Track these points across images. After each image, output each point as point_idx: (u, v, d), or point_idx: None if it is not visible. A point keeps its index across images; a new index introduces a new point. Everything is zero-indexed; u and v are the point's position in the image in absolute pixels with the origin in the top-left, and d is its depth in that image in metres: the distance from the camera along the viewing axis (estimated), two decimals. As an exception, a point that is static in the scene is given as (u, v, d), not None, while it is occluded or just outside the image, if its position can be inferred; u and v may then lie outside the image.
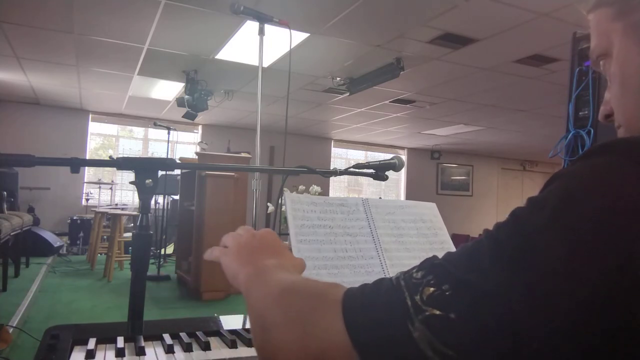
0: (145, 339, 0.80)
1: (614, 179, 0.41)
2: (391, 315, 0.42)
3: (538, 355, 0.38)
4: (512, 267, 0.40)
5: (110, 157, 1.06)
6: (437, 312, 0.40)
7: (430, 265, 0.45)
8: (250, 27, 4.01)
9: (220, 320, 0.94)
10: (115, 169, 1.00)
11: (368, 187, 10.65)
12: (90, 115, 8.21)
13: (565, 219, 0.40)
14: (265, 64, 4.86)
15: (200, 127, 8.94)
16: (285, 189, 2.12)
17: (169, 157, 5.45)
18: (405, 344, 0.40)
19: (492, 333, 0.39)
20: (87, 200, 7.84)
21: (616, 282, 0.38)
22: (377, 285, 0.45)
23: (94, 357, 0.73)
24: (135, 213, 5.85)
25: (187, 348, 0.77)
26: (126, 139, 8.85)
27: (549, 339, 0.38)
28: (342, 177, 5.50)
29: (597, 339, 0.38)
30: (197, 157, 4.84)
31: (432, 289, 0.42)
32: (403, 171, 10.41)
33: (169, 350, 0.76)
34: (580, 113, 1.92)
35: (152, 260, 5.36)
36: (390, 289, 0.44)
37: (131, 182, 1.01)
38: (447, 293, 0.41)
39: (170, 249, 6.99)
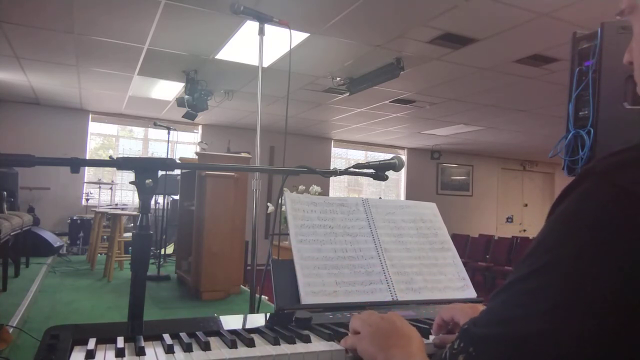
0: (145, 339, 0.80)
1: (594, 206, 0.43)
2: None
3: None
4: (526, 313, 0.44)
5: (110, 157, 1.06)
6: None
7: (461, 332, 0.52)
8: (250, 27, 4.01)
9: (220, 320, 0.94)
10: (115, 169, 1.00)
11: (368, 187, 10.65)
12: (90, 115, 8.21)
13: (553, 260, 0.44)
14: (265, 64, 4.86)
15: (200, 127, 8.94)
16: (285, 189, 2.12)
17: (169, 157, 5.44)
18: None
19: None
20: (87, 200, 7.84)
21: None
22: None
23: (94, 357, 0.73)
24: (135, 213, 5.85)
25: (187, 348, 0.77)
26: (126, 139, 8.85)
27: None
28: (342, 177, 5.50)
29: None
30: (197, 157, 4.83)
31: (463, 355, 0.49)
32: (403, 171, 10.41)
33: (169, 350, 0.76)
34: (580, 113, 1.92)
35: (152, 260, 5.37)
36: None
37: (131, 182, 1.01)
38: (473, 354, 0.48)
39: (170, 249, 6.98)
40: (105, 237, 6.19)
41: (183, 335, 0.81)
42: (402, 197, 10.68)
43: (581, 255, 0.41)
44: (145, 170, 0.95)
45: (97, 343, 0.77)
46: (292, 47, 3.39)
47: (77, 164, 0.93)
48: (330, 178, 8.68)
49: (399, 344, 0.74)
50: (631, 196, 0.41)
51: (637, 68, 0.57)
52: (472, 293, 1.14)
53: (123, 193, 8.47)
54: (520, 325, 0.43)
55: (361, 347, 0.78)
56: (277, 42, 4.16)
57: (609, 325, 0.39)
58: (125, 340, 0.79)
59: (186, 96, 5.70)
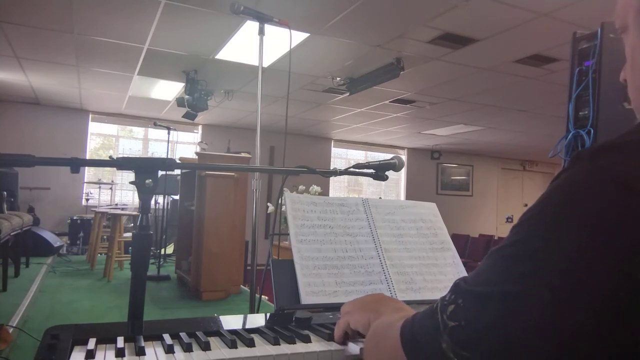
0: (145, 339, 0.80)
1: (576, 184, 0.48)
2: (429, 334, 0.55)
3: (528, 352, 0.46)
4: (506, 276, 0.49)
5: (110, 157, 1.06)
6: (455, 324, 0.52)
7: (453, 285, 0.56)
8: (250, 27, 4.01)
9: (220, 320, 0.94)
10: (115, 169, 1.00)
11: (368, 187, 10.65)
12: (90, 115, 8.21)
13: (540, 229, 0.48)
14: (265, 64, 4.86)
15: (200, 127, 8.94)
16: (285, 189, 2.12)
17: (169, 157, 5.44)
18: (438, 355, 0.53)
19: (494, 333, 0.48)
20: (87, 200, 7.84)
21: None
22: (425, 311, 0.58)
23: (94, 357, 0.73)
24: (135, 213, 5.85)
25: (187, 348, 0.77)
26: (126, 139, 8.85)
27: (539, 340, 0.45)
28: (342, 177, 5.50)
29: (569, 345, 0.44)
30: (197, 157, 4.83)
31: (452, 305, 0.53)
32: (403, 171, 10.41)
33: (169, 350, 0.76)
34: (580, 113, 1.92)
35: (152, 260, 5.37)
36: (430, 313, 0.56)
37: (131, 182, 1.01)
38: (462, 305, 0.52)
39: (170, 249, 6.98)
40: (105, 237, 6.19)
41: (183, 335, 0.81)
42: (402, 197, 10.68)
43: (559, 224, 0.47)
44: (145, 170, 0.95)
45: (97, 343, 0.77)
46: (292, 47, 3.39)
47: (77, 164, 0.93)
48: (330, 178, 8.69)
49: (390, 305, 0.80)
50: (607, 175, 0.46)
51: (630, 85, 0.59)
52: (472, 293, 1.14)
53: (123, 193, 8.47)
54: (507, 285, 0.48)
55: (353, 319, 0.81)
56: (277, 42, 4.16)
57: (594, 288, 0.43)
58: (125, 340, 0.79)
59: (186, 96, 5.70)
